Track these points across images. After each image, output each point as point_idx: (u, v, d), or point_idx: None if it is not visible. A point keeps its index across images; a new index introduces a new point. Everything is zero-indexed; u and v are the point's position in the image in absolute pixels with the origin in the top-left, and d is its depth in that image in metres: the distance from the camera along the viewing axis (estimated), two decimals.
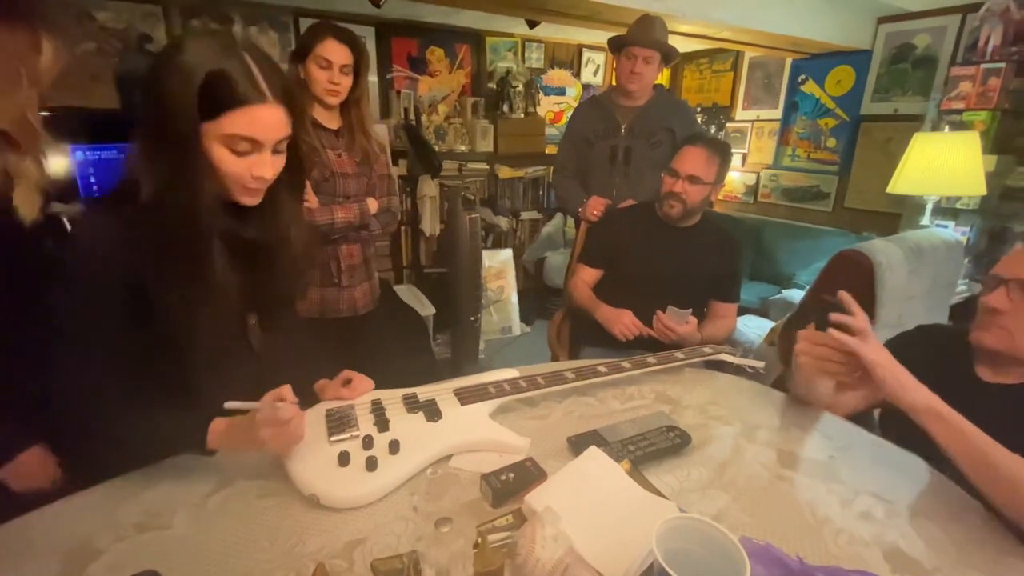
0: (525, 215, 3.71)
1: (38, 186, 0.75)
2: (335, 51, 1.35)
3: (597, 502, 0.69)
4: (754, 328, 2.46)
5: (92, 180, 2.21)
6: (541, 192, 3.74)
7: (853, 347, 0.82)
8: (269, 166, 0.71)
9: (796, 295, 2.70)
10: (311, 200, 1.37)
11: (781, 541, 0.67)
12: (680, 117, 1.85)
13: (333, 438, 0.80)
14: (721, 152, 1.45)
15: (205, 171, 0.68)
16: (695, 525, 0.57)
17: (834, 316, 0.84)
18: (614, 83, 1.91)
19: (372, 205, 1.48)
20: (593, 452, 0.78)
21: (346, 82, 1.40)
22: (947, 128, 2.41)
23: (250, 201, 0.75)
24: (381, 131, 2.72)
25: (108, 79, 2.42)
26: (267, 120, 0.69)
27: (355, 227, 1.46)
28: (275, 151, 0.72)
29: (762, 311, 2.72)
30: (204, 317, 0.73)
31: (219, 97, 0.65)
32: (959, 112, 2.51)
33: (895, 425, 1.01)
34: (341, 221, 1.41)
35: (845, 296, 0.86)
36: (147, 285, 0.69)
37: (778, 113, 3.57)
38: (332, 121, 1.45)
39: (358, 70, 1.41)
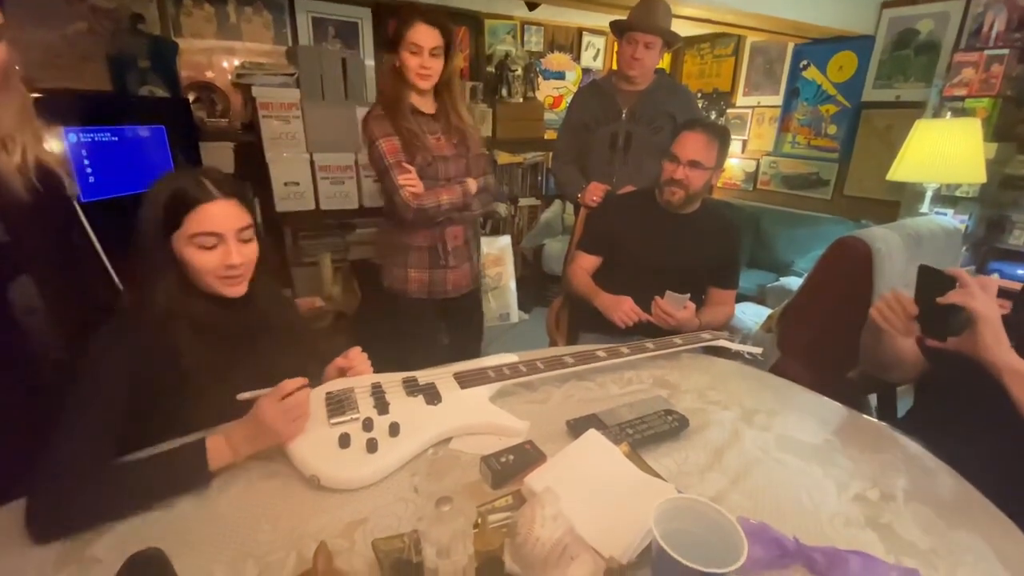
0: (524, 201, 3.69)
1: None
2: (425, 35, 1.37)
3: (596, 484, 0.70)
4: (751, 315, 2.46)
5: (86, 163, 2.18)
6: (540, 178, 3.72)
7: (961, 301, 0.84)
8: (235, 253, 0.81)
9: (794, 282, 2.70)
10: (417, 186, 1.42)
11: (778, 523, 0.68)
12: (681, 102, 1.83)
13: (333, 420, 0.80)
14: (720, 136, 1.44)
15: (176, 275, 0.80)
16: (693, 506, 0.57)
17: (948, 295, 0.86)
18: (614, 67, 1.88)
19: (472, 185, 1.52)
20: (592, 435, 0.78)
21: (437, 65, 1.41)
22: (949, 115, 2.40)
23: (233, 292, 0.83)
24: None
25: (100, 60, 2.37)
26: (219, 213, 0.79)
27: (459, 208, 1.50)
28: (241, 240, 0.82)
29: (759, 298, 2.73)
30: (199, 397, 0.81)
31: (179, 207, 0.78)
32: (961, 99, 2.50)
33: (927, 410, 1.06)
34: (447, 203, 1.46)
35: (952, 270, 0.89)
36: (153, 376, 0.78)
37: (779, 99, 3.54)
38: (428, 106, 1.48)
39: (448, 52, 1.43)
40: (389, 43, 1.42)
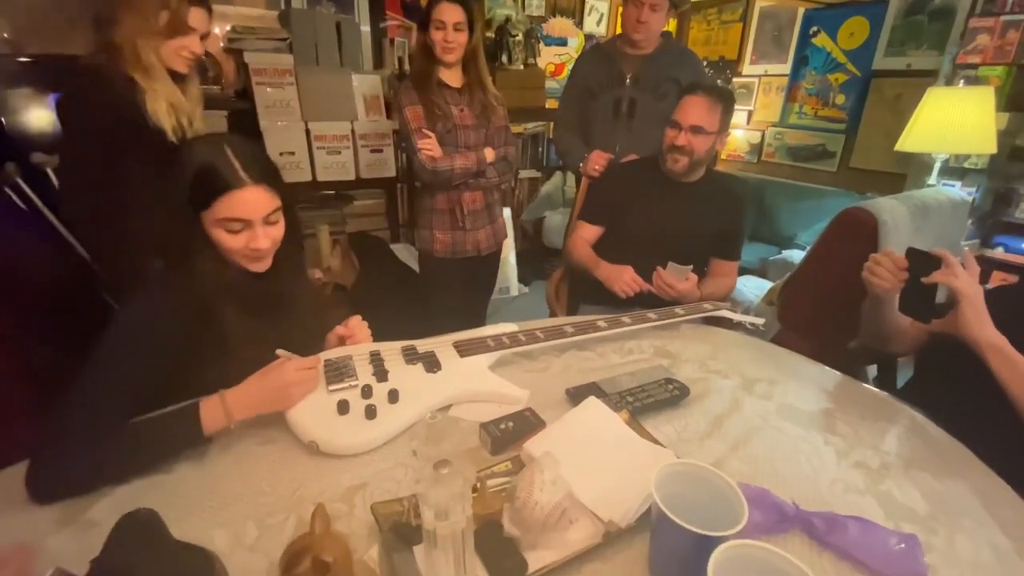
0: (524, 173, 3.63)
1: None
2: (447, 11, 1.50)
3: (595, 450, 0.70)
4: (752, 288, 2.45)
5: None
6: (540, 149, 3.65)
7: (944, 280, 0.87)
8: (262, 238, 0.80)
9: (796, 255, 2.68)
10: (435, 150, 1.56)
11: (777, 489, 0.68)
12: (687, 68, 1.77)
13: (331, 387, 0.80)
14: (723, 99, 1.40)
15: (206, 250, 0.80)
16: (694, 471, 0.57)
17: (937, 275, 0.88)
18: (619, 31, 1.82)
19: (489, 154, 1.65)
20: (592, 402, 0.78)
21: (460, 39, 1.54)
22: (962, 83, 2.33)
23: (257, 268, 0.84)
24: (373, 81, 2.62)
25: (86, 22, 2.29)
26: (250, 200, 0.78)
27: (472, 174, 1.63)
28: (268, 222, 0.81)
29: (760, 271, 2.71)
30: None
31: (208, 189, 0.76)
32: (974, 67, 2.42)
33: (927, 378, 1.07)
34: (460, 168, 1.59)
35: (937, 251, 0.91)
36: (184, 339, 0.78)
37: (787, 68, 3.44)
38: (455, 79, 1.61)
39: (472, 27, 1.56)
40: (421, 23, 1.56)
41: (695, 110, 1.37)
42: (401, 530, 0.59)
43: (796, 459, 0.76)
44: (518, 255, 3.39)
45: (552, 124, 3.25)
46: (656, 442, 0.73)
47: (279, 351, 0.79)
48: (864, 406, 0.91)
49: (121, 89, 1.14)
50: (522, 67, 3.38)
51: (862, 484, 0.71)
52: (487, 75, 1.65)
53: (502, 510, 0.60)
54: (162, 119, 1.17)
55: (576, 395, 0.86)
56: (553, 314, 1.78)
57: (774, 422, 0.84)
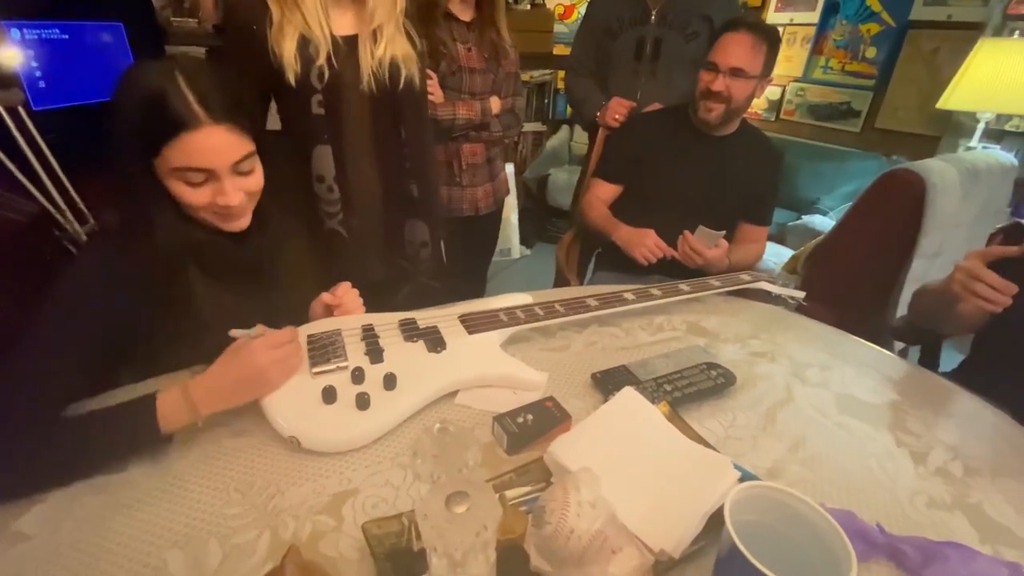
0: (528, 127, 3.40)
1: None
2: None
3: (637, 456, 0.57)
4: (770, 255, 2.31)
5: (35, 65, 1.91)
6: (546, 100, 3.41)
7: None
8: (232, 192, 0.65)
9: (818, 221, 2.53)
10: (436, 94, 1.36)
11: (850, 502, 0.57)
12: (722, 3, 1.56)
13: (316, 370, 0.67)
14: (769, 38, 1.22)
15: (161, 206, 0.65)
16: (775, 496, 0.45)
17: None
18: None
19: (495, 104, 1.45)
20: (629, 394, 0.65)
21: None
22: (1016, 34, 2.13)
23: (233, 227, 0.70)
24: None
25: None
26: (210, 145, 0.62)
27: (475, 125, 1.44)
28: (238, 172, 0.66)
29: (779, 238, 2.57)
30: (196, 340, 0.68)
31: (155, 131, 0.61)
32: None
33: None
34: (462, 118, 1.40)
35: None
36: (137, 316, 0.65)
37: (815, 16, 3.18)
38: (465, 12, 1.39)
39: None
40: None
41: (737, 49, 1.19)
42: (400, 558, 0.47)
43: (866, 463, 0.65)
44: (520, 214, 3.22)
45: (560, 73, 3.00)
46: (706, 444, 0.61)
47: (233, 332, 0.64)
48: (936, 399, 0.79)
49: (247, 15, 0.90)
50: (528, 7, 3.11)
51: (948, 497, 0.60)
52: (503, 13, 1.41)
53: (525, 534, 0.49)
54: (283, 51, 0.88)
55: (604, 382, 0.74)
56: (563, 280, 1.64)
57: (835, 417, 0.73)
